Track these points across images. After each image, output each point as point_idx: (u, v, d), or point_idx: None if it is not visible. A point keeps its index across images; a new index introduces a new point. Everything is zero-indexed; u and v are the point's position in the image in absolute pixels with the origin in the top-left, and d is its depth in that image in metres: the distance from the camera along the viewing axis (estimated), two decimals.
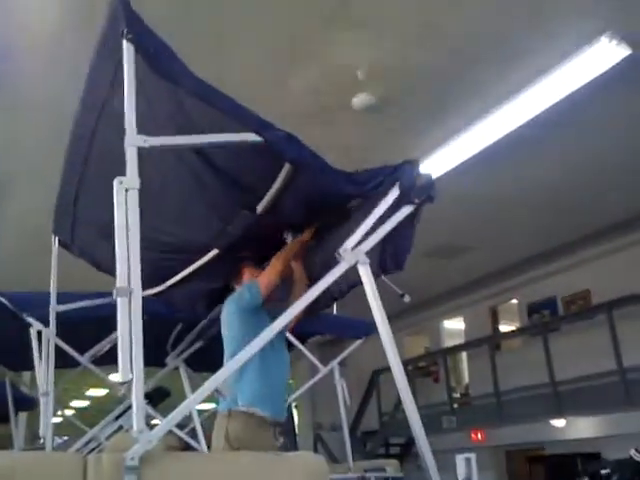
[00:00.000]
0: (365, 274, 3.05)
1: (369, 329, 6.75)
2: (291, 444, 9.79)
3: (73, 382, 6.98)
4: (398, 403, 13.75)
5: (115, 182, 2.37)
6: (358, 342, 6.63)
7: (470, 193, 8.66)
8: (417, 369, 14.21)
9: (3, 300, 5.24)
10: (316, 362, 6.45)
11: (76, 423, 7.64)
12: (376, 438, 13.74)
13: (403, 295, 5.48)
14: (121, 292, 2.37)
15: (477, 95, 6.39)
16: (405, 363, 13.44)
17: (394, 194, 3.20)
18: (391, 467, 6.61)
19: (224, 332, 3.68)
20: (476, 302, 12.97)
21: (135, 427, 2.47)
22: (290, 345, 6.40)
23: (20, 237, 9.18)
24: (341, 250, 2.99)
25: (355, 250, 3.03)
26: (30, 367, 5.55)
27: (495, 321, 13.10)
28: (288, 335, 6.20)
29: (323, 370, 6.53)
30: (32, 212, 8.15)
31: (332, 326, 6.50)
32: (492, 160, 7.55)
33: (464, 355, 14.04)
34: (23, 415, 10.86)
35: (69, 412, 8.37)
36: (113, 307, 5.61)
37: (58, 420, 13.22)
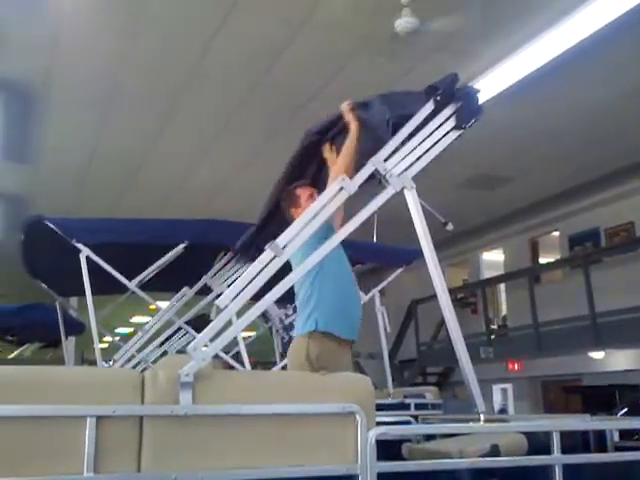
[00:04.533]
0: (412, 200, 3.05)
1: (410, 257, 6.79)
2: None
3: (119, 309, 7.15)
4: (436, 333, 13.95)
5: None
6: (399, 270, 6.66)
7: (511, 122, 8.50)
8: (455, 300, 14.25)
9: (52, 226, 5.37)
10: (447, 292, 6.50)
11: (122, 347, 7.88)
12: (414, 367, 13.96)
13: (446, 223, 5.47)
14: None
15: (522, 19, 6.20)
16: None
17: (445, 115, 3.16)
18: (430, 394, 6.74)
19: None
20: (516, 234, 12.88)
21: (190, 346, 2.56)
22: None
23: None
24: (387, 175, 2.97)
25: (402, 175, 3.02)
26: (79, 292, 5.72)
27: (535, 253, 13.02)
28: None
29: (364, 298, 6.59)
30: None
31: (374, 254, 6.53)
32: (534, 88, 7.36)
33: (502, 287, 14.03)
34: (72, 340, 11.24)
35: (115, 338, 8.61)
36: (160, 234, 5.73)
37: (105, 345, 13.72)
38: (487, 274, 13.99)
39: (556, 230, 12.42)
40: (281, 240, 2.76)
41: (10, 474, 2.23)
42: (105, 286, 5.73)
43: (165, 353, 8.86)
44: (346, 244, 6.74)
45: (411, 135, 3.11)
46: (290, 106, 7.83)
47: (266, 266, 2.71)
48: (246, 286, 2.66)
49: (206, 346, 2.61)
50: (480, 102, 3.27)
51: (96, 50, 6.67)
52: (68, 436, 2.33)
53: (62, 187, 10.04)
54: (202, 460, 2.49)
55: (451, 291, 13.73)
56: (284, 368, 8.52)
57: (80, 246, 5.39)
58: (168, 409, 2.45)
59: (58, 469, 2.30)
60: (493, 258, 14.31)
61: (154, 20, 6.20)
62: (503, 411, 13.80)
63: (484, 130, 8.74)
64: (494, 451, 3.15)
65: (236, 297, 2.65)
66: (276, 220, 4.04)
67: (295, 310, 9.39)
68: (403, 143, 3.08)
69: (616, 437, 3.98)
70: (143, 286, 5.77)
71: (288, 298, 7.35)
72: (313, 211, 2.83)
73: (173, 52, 6.72)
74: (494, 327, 13.83)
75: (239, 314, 2.78)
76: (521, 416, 4.12)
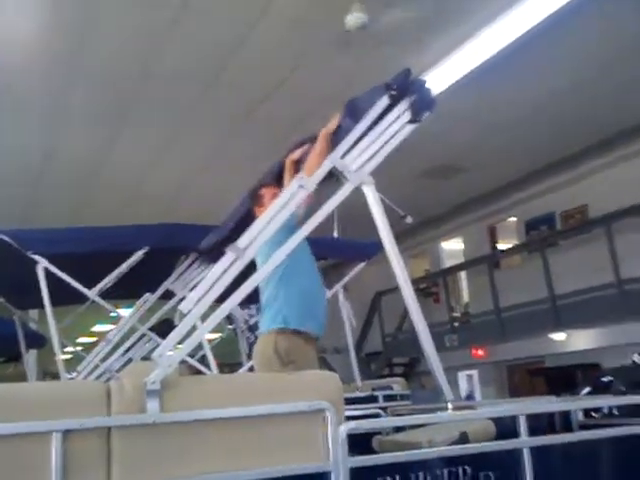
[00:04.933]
0: (371, 195, 3.07)
1: (371, 251, 6.82)
2: None
3: (80, 318, 7.03)
4: (401, 324, 14.06)
5: None
6: (361, 265, 6.69)
7: (464, 112, 8.59)
8: (418, 291, 14.36)
9: (6, 238, 5.25)
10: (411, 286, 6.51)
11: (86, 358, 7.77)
12: (380, 359, 14.05)
13: (405, 216, 5.51)
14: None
15: (470, 10, 6.29)
16: None
17: (400, 110, 3.18)
18: (398, 385, 6.79)
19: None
20: (474, 222, 13.06)
21: (155, 353, 2.54)
22: None
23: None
24: (345, 172, 2.98)
25: (359, 171, 3.03)
26: (38, 305, 5.61)
27: (494, 240, 13.21)
28: None
29: (328, 294, 6.60)
30: None
31: (335, 249, 6.53)
32: (485, 79, 7.48)
33: (463, 275, 14.20)
34: (33, 353, 11.03)
35: (78, 349, 8.48)
36: (119, 241, 5.64)
37: (68, 357, 13.49)
38: (448, 263, 14.13)
39: (513, 216, 12.62)
40: (242, 241, 2.75)
41: None
42: (65, 297, 5.63)
43: (130, 361, 8.75)
44: (307, 240, 6.75)
45: (367, 131, 3.12)
46: (245, 106, 7.81)
47: (228, 268, 2.69)
48: (209, 289, 2.64)
49: (171, 352, 2.59)
50: (433, 95, 3.29)
51: (45, 61, 6.55)
52: (35, 453, 2.28)
53: (17, 198, 9.82)
54: (173, 468, 2.47)
55: (413, 282, 13.82)
56: (251, 369, 8.50)
57: (37, 257, 5.29)
58: (135, 418, 2.43)
59: None
60: (453, 247, 14.48)
61: (103, 24, 6.11)
62: (470, 397, 13.95)
63: (439, 122, 8.88)
64: (463, 438, 3.19)
65: (199, 301, 2.62)
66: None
67: (259, 310, 9.44)
68: (360, 139, 3.09)
69: (581, 416, 4.04)
70: (104, 294, 5.69)
71: (251, 298, 7.41)
72: (273, 210, 2.83)
73: (123, 56, 6.64)
74: (457, 315, 13.99)
75: (203, 317, 2.77)
76: (488, 402, 4.19)
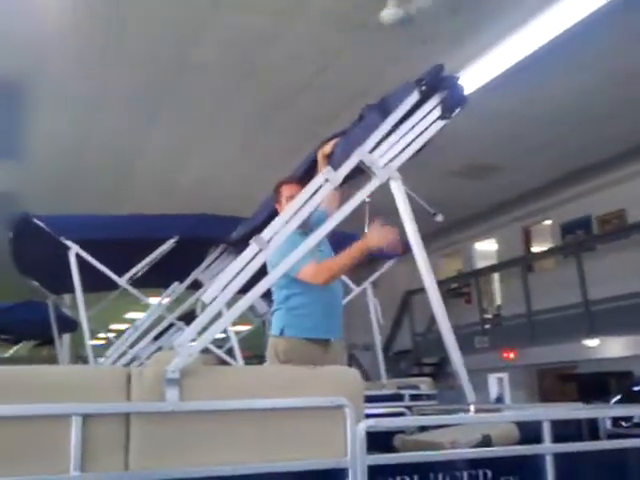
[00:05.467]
0: (398, 192, 3.03)
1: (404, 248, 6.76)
2: None
3: (114, 305, 7.12)
4: (431, 324, 13.96)
5: None
6: (391, 262, 6.64)
7: (501, 111, 8.49)
8: (449, 291, 14.27)
9: (41, 224, 5.34)
10: (349, 282, 6.51)
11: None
12: (409, 357, 13.98)
13: (436, 214, 5.45)
14: None
15: (509, 6, 6.17)
16: (437, 284, 13.52)
17: (431, 106, 3.14)
18: (424, 385, 6.72)
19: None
20: (509, 223, 12.88)
21: (176, 342, 2.54)
22: None
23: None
24: (373, 167, 2.95)
25: (387, 166, 3.00)
26: (71, 289, 5.69)
27: (528, 242, 13.03)
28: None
29: (356, 290, 6.59)
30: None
31: None
32: (523, 76, 7.32)
33: (496, 277, 14.05)
34: (66, 337, 11.22)
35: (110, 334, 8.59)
36: (150, 230, 5.68)
37: (102, 342, 13.66)
38: (481, 264, 13.99)
39: (548, 219, 12.43)
40: (266, 234, 2.74)
41: None
42: (96, 283, 5.72)
43: (160, 349, 8.85)
44: (337, 236, 6.71)
45: (396, 126, 3.08)
46: (277, 100, 7.80)
47: (252, 260, 2.69)
48: (231, 280, 2.63)
49: (193, 341, 2.60)
50: (464, 91, 3.24)
51: (82, 46, 6.62)
52: (54, 435, 2.31)
53: (52, 184, 9.98)
54: (190, 457, 2.47)
55: (444, 282, 13.84)
56: None
57: (69, 243, 5.38)
58: (154, 406, 2.44)
59: (44, 469, 2.27)
60: (486, 248, 14.32)
61: (141, 12, 6.14)
62: (499, 400, 13.81)
63: (474, 119, 8.79)
64: (486, 441, 3.15)
65: (222, 291, 2.62)
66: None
67: None
68: (388, 134, 3.05)
69: (609, 425, 3.96)
70: (135, 282, 5.75)
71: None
72: (298, 204, 2.81)
73: (159, 46, 6.67)
74: (488, 317, 13.86)
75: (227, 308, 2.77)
76: (513, 405, 4.12)
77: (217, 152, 9.30)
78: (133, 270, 5.61)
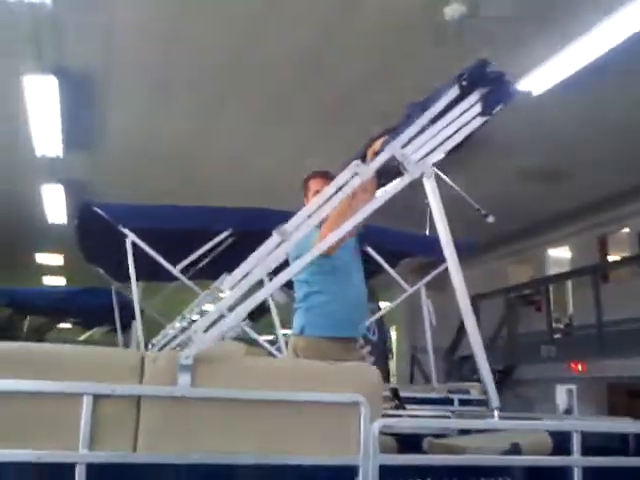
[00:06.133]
0: (431, 189, 2.96)
1: (462, 249, 6.62)
2: (381, 363, 9.90)
3: (179, 296, 7.26)
4: (499, 329, 13.66)
5: None
6: (447, 263, 6.49)
7: (575, 113, 8.21)
8: (520, 297, 13.91)
9: (100, 211, 5.49)
10: (402, 282, 6.43)
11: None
12: (472, 363, 13.67)
13: (487, 215, 5.32)
14: None
15: (577, 9, 5.95)
16: (507, 290, 13.23)
17: (471, 101, 3.05)
18: (475, 390, 6.56)
19: None
20: (584, 230, 12.43)
21: (192, 328, 2.56)
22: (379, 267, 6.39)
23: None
24: (405, 162, 2.88)
25: (421, 162, 2.92)
26: (139, 279, 5.81)
27: (604, 251, 12.53)
28: (375, 255, 6.19)
29: (409, 290, 6.49)
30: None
31: (421, 246, 6.40)
32: (598, 79, 7.06)
33: (569, 285, 13.59)
34: (135, 324, 11.50)
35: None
36: (205, 221, 5.75)
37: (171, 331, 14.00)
38: (553, 272, 13.57)
39: (626, 227, 11.92)
40: (290, 224, 2.73)
41: (6, 447, 2.28)
42: (152, 272, 5.84)
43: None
44: (391, 235, 6.57)
45: (434, 121, 3.01)
46: (340, 96, 7.78)
47: (273, 250, 2.68)
48: (252, 270, 2.63)
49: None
50: (510, 87, 3.12)
51: (149, 37, 6.79)
52: (65, 413, 2.36)
53: (124, 174, 10.30)
54: (199, 443, 2.48)
55: (514, 288, 13.51)
56: None
57: (126, 231, 5.49)
58: (165, 390, 2.46)
59: (54, 445, 2.32)
60: (560, 255, 13.88)
61: (201, 10, 6.26)
62: (568, 412, 13.38)
63: (549, 121, 8.56)
64: (515, 449, 3.04)
65: (240, 281, 2.62)
66: None
67: None
68: (424, 129, 2.98)
69: None
70: (192, 274, 5.84)
71: None
72: (323, 197, 2.78)
73: (225, 37, 6.76)
74: (560, 326, 13.43)
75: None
76: (547, 415, 3.97)
77: (281, 148, 9.36)
78: (187, 260, 5.68)
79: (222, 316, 2.58)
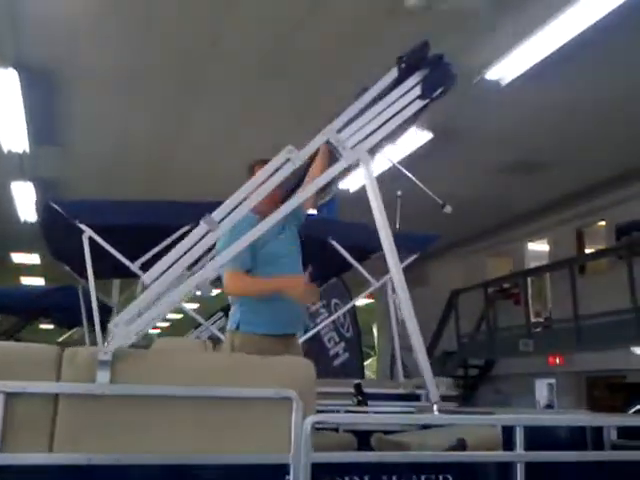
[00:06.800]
0: (367, 175, 2.85)
1: (426, 243, 6.55)
2: (355, 359, 9.84)
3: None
4: (478, 325, 13.61)
5: None
6: (413, 257, 6.40)
7: (550, 104, 8.09)
8: (498, 292, 13.86)
9: (57, 208, 5.37)
10: (368, 276, 6.32)
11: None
12: (453, 359, 13.64)
13: (444, 205, 5.22)
14: None
15: None
16: (485, 284, 13.16)
17: (410, 84, 2.95)
18: (444, 385, 6.46)
19: None
20: (561, 223, 12.37)
21: (111, 322, 2.45)
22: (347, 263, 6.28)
23: None
24: (340, 147, 2.78)
25: (356, 147, 2.82)
26: (98, 275, 5.68)
27: (581, 244, 12.48)
28: (340, 249, 6.08)
29: (375, 284, 6.38)
30: None
31: None
32: (574, 66, 6.93)
33: (548, 278, 13.55)
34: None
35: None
36: (164, 216, 5.62)
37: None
38: (533, 265, 13.51)
39: (603, 219, 11.88)
40: (217, 214, 2.62)
41: None
42: (113, 269, 5.72)
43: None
44: (359, 229, 6.47)
45: (372, 105, 2.91)
46: (309, 93, 7.68)
47: (200, 240, 2.57)
48: (176, 261, 2.52)
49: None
50: (451, 70, 3.02)
51: (112, 28, 6.66)
52: None
53: (95, 171, 10.15)
54: (120, 443, 2.37)
55: (492, 282, 13.44)
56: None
57: (83, 227, 5.36)
58: (82, 387, 2.35)
59: None
60: (538, 248, 13.83)
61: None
62: (550, 407, 13.35)
63: (521, 113, 8.46)
64: (460, 445, 2.95)
65: (164, 272, 2.51)
66: None
67: (321, 297, 9.32)
68: (362, 113, 2.88)
69: (614, 436, 3.66)
70: (148, 269, 5.70)
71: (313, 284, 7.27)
72: (254, 184, 2.67)
73: (190, 30, 6.63)
74: (540, 319, 13.39)
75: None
76: (487, 409, 3.84)
77: (255, 142, 9.22)
78: (146, 256, 5.55)
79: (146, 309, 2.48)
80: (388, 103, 2.89)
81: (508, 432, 2.95)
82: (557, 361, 11.82)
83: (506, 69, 6.81)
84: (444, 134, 8.64)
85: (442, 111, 8.21)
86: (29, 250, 14.34)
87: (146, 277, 2.49)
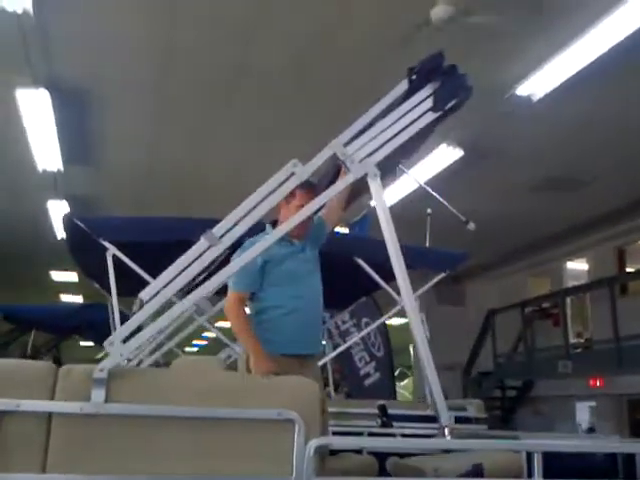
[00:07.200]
0: (376, 189, 2.76)
1: (455, 261, 6.38)
2: (387, 378, 9.67)
3: None
4: (516, 345, 13.28)
5: None
6: (442, 275, 6.25)
7: (584, 118, 7.87)
8: (536, 311, 13.53)
9: (81, 224, 5.38)
10: (394, 294, 6.17)
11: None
12: (490, 379, 13.34)
13: (467, 222, 5.10)
14: None
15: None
16: (523, 304, 12.86)
17: (421, 96, 2.86)
18: (473, 407, 6.28)
19: None
20: (601, 241, 12.04)
21: (107, 341, 2.40)
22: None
23: None
24: (347, 161, 2.69)
25: (365, 161, 2.73)
26: (122, 293, 5.68)
27: (622, 263, 12.12)
28: (366, 268, 5.96)
29: (401, 303, 6.23)
30: None
31: (415, 258, 6.16)
32: (608, 75, 6.69)
33: (588, 298, 13.18)
34: None
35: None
36: (187, 232, 5.62)
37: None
38: (572, 285, 13.17)
39: None
40: (218, 229, 2.56)
41: None
42: (136, 285, 5.70)
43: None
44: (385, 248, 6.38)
45: (380, 118, 2.83)
46: (338, 105, 7.61)
47: (199, 256, 2.51)
48: (174, 278, 2.46)
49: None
50: (465, 82, 2.92)
51: (141, 49, 6.73)
52: None
53: (124, 187, 10.22)
54: (116, 464, 2.31)
55: (530, 301, 13.14)
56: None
57: (106, 244, 5.37)
58: (75, 406, 2.29)
59: None
60: (577, 267, 13.49)
61: (196, 18, 6.19)
62: (591, 430, 12.95)
63: (557, 128, 8.27)
64: (476, 471, 2.82)
65: (162, 289, 2.45)
66: None
67: (352, 316, 9.20)
68: (370, 126, 2.80)
69: None
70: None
71: (343, 303, 7.14)
72: (256, 198, 2.60)
73: (221, 46, 6.66)
74: (580, 340, 13.03)
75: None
76: (512, 433, 3.65)
77: (288, 158, 9.21)
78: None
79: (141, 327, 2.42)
80: (398, 116, 2.80)
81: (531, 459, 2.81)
82: (597, 383, 11.45)
83: (538, 84, 6.65)
84: (475, 151, 8.48)
85: (472, 128, 8.14)
86: (67, 268, 14.53)
87: (143, 294, 2.42)
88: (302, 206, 3.09)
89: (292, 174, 2.61)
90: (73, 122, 8.08)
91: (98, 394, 2.31)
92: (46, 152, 8.58)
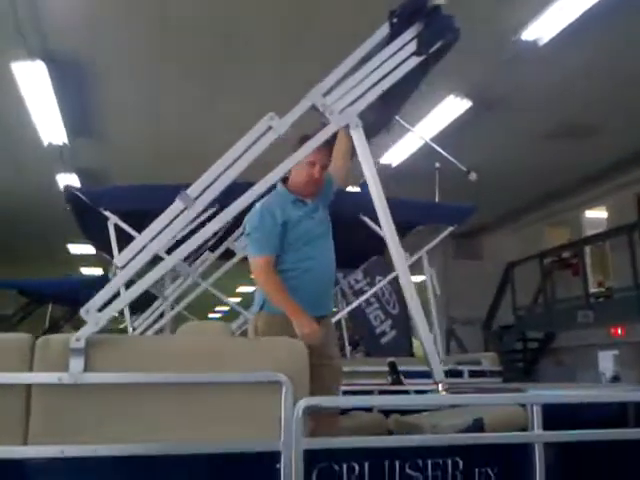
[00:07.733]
0: (358, 139, 2.64)
1: (463, 215, 6.25)
2: (404, 336, 9.60)
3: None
4: (536, 297, 13.14)
5: None
6: (450, 229, 6.13)
7: (595, 62, 7.59)
8: (556, 262, 13.34)
9: (80, 195, 5.33)
10: (402, 252, 6.06)
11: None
12: (511, 333, 13.25)
13: (469, 172, 4.96)
14: None
15: None
16: (541, 255, 12.69)
17: (404, 40, 2.71)
18: (487, 360, 6.20)
19: None
20: (620, 189, 11.77)
21: (83, 309, 2.33)
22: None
23: None
24: (327, 111, 2.57)
25: (345, 111, 2.61)
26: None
27: None
28: (372, 225, 5.85)
29: (410, 259, 6.13)
30: None
31: (423, 213, 6.04)
32: (624, 20, 6.45)
33: (607, 247, 12.96)
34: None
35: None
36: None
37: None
38: (590, 234, 12.94)
39: None
40: (193, 190, 2.46)
41: None
42: None
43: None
44: (394, 205, 6.29)
45: (361, 65, 2.69)
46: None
47: (175, 218, 2.42)
48: (150, 241, 2.38)
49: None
50: (451, 23, 2.76)
51: (143, 17, 6.59)
52: None
53: (130, 158, 10.13)
54: (98, 434, 2.26)
55: (549, 252, 12.96)
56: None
57: (107, 214, 5.32)
58: (53, 377, 2.24)
59: None
60: (596, 216, 13.24)
61: None
62: (616, 379, 12.85)
63: (565, 74, 8.00)
64: (476, 426, 2.74)
65: (138, 253, 2.37)
66: None
67: (365, 274, 9.11)
68: (351, 74, 2.67)
69: None
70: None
71: (355, 262, 7.06)
72: (234, 153, 2.50)
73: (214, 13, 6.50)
74: (601, 289, 12.84)
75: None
76: (518, 386, 3.52)
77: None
78: (172, 240, 5.47)
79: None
80: (380, 61, 2.66)
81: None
82: (619, 332, 11.32)
83: (543, 28, 6.41)
84: (483, 101, 8.25)
85: (480, 77, 7.91)
86: (83, 241, 14.58)
87: (118, 260, 2.35)
88: (314, 163, 3.02)
89: (269, 128, 2.50)
90: (74, 94, 7.97)
91: (76, 364, 2.25)
92: (49, 126, 8.52)
